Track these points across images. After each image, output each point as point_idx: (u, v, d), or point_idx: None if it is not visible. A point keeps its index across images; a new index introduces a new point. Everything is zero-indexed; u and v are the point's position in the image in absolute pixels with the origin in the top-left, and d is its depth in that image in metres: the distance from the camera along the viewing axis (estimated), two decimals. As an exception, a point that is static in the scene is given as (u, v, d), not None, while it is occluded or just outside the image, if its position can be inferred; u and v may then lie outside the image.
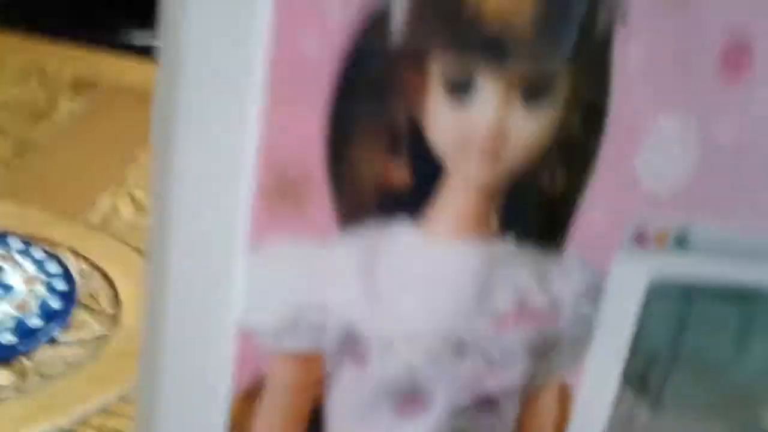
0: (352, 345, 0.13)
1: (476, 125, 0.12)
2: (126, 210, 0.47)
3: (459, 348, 0.13)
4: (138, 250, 0.43)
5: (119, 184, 0.50)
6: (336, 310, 0.12)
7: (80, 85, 0.64)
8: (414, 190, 0.12)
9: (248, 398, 0.13)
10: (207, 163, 0.11)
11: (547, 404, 0.14)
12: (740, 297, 0.14)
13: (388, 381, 0.13)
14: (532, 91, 0.12)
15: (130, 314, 0.38)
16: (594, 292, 0.13)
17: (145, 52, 0.73)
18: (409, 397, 0.13)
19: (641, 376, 0.14)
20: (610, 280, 0.13)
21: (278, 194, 0.11)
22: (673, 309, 0.14)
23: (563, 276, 0.13)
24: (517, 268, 0.13)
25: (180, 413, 0.12)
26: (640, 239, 0.13)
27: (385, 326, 0.13)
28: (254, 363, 0.12)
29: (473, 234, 0.13)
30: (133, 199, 0.48)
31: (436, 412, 0.14)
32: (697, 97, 0.13)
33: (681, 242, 0.13)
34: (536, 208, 0.13)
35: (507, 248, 0.13)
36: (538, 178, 0.12)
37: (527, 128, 0.12)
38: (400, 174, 0.12)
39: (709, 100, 0.13)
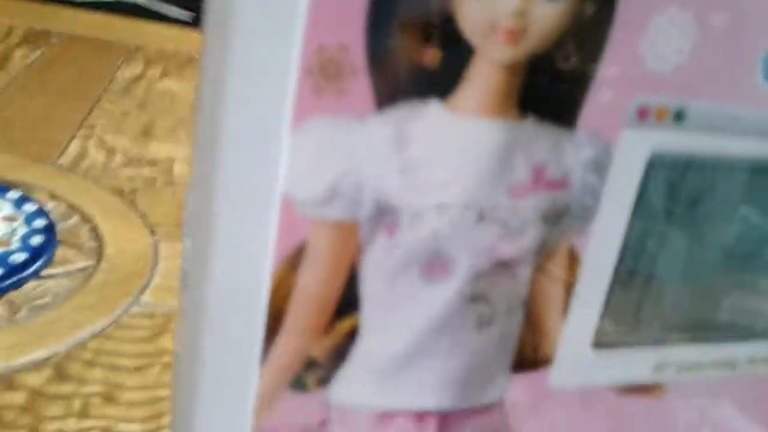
0: (385, 215, 0.14)
1: (501, 13, 0.13)
2: (96, 153, 0.47)
3: (480, 216, 0.14)
4: (112, 190, 0.44)
5: (87, 128, 0.50)
6: (371, 183, 0.13)
7: (33, 37, 0.63)
8: (444, 71, 0.13)
9: (290, 263, 0.14)
10: (259, 48, 0.12)
11: (557, 267, 0.15)
12: (730, 168, 0.16)
13: (416, 248, 0.14)
14: None
15: (112, 246, 0.38)
16: (601, 164, 0.15)
17: (94, 6, 0.72)
18: (434, 263, 0.14)
19: (640, 242, 0.16)
20: (616, 152, 0.15)
21: (321, 74, 0.12)
22: (670, 179, 0.15)
23: (575, 150, 0.14)
24: (534, 143, 0.14)
25: (226, 278, 0.13)
26: (643, 114, 0.15)
27: (414, 198, 0.14)
28: (296, 231, 0.13)
29: (497, 113, 0.14)
30: (102, 142, 0.48)
31: (458, 277, 0.15)
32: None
33: (679, 117, 0.15)
34: (553, 88, 0.14)
35: (527, 126, 0.14)
36: (555, 59, 0.13)
37: (546, 16, 0.13)
38: (432, 56, 0.13)
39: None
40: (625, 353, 0.17)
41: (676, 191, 0.16)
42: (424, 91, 0.13)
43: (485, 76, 0.13)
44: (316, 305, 0.14)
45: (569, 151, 0.14)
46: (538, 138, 0.14)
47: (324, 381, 0.15)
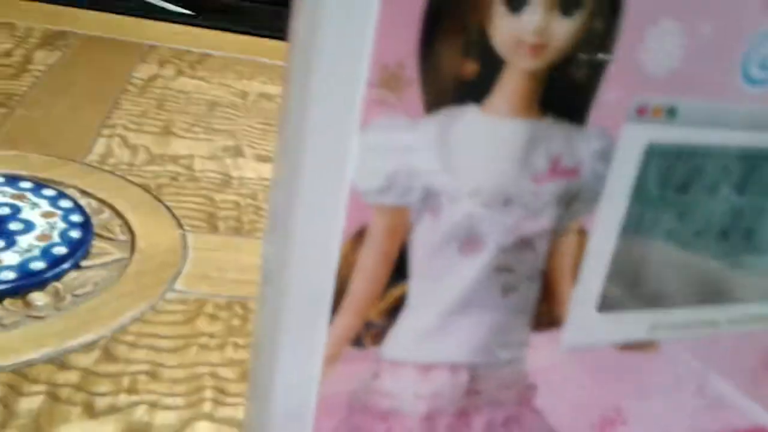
0: (430, 200, 0.17)
1: (526, 30, 0.16)
2: (120, 151, 0.50)
3: (506, 200, 0.17)
4: (139, 186, 0.46)
5: (109, 127, 0.52)
6: (420, 174, 0.16)
7: (52, 38, 0.65)
8: (481, 81, 0.16)
9: (354, 242, 0.17)
10: (337, 67, 0.15)
11: (569, 244, 0.18)
12: (715, 157, 0.19)
13: (454, 227, 0.17)
14: (567, 6, 0.16)
15: (143, 239, 0.41)
16: (607, 155, 0.18)
17: (107, 8, 0.74)
18: (469, 239, 0.17)
19: (639, 221, 0.19)
20: (619, 144, 0.18)
21: (384, 86, 0.15)
22: (663, 167, 0.18)
23: (585, 143, 0.17)
24: (552, 138, 0.17)
25: (305, 257, 0.16)
26: (642, 112, 0.18)
27: (454, 185, 0.17)
28: (359, 215, 0.16)
29: (522, 114, 0.17)
30: (125, 141, 0.51)
31: (488, 251, 0.18)
32: (686, 3, 0.17)
33: (672, 114, 0.18)
34: (568, 91, 0.17)
35: (546, 124, 0.17)
36: (570, 67, 0.16)
37: (563, 31, 0.16)
38: (471, 68, 0.16)
39: (694, 5, 0.17)
40: (625, 315, 0.20)
41: (668, 177, 0.19)
42: (464, 98, 0.16)
43: (513, 83, 0.16)
44: (374, 277, 0.17)
45: (581, 144, 0.17)
46: (555, 133, 0.17)
47: (378, 339, 0.18)
